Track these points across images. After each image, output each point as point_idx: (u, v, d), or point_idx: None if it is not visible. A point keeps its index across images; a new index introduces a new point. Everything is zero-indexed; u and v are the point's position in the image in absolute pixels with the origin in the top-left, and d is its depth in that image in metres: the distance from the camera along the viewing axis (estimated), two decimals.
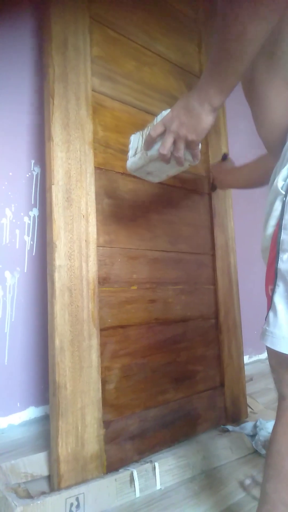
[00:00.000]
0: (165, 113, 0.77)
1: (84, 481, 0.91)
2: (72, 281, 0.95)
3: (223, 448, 1.14)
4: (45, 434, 1.00)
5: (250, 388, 1.52)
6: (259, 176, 1.05)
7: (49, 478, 0.92)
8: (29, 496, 0.86)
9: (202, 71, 1.40)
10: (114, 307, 1.06)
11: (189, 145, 0.74)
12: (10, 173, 1.11)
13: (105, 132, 1.09)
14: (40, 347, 1.13)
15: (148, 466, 0.99)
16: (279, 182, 0.63)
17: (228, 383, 1.32)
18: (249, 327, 1.66)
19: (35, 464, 0.92)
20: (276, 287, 0.62)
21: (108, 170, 1.09)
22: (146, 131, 0.82)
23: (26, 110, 1.14)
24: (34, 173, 1.15)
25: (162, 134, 0.75)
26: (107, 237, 1.06)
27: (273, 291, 0.63)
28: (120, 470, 0.97)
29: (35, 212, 1.15)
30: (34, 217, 1.15)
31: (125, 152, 1.13)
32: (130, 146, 0.88)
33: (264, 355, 2.00)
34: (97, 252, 1.01)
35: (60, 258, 0.93)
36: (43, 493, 0.87)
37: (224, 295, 1.35)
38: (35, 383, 1.14)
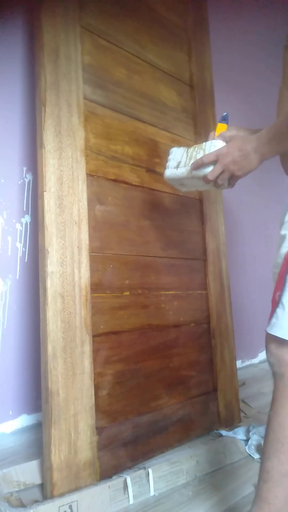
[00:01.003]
0: (216, 143, 0.90)
1: (77, 488, 0.90)
2: (65, 288, 0.95)
3: (216, 453, 1.14)
4: (38, 442, 0.99)
5: (243, 393, 1.53)
6: None
7: (42, 486, 0.91)
8: (22, 504, 0.85)
9: (192, 79, 1.42)
10: (107, 313, 1.06)
11: (233, 178, 0.89)
12: (2, 180, 1.11)
13: (97, 139, 1.10)
14: (32, 354, 1.13)
15: (141, 472, 0.99)
16: None
17: (221, 388, 1.33)
18: (241, 332, 1.67)
19: (28, 472, 0.92)
20: (285, 291, 0.76)
21: (100, 176, 1.10)
22: (192, 151, 0.94)
23: (18, 117, 1.14)
24: (26, 180, 1.15)
25: (212, 162, 0.88)
26: (99, 243, 1.07)
27: (280, 295, 0.77)
28: (113, 477, 0.97)
29: (27, 218, 1.15)
30: (26, 223, 1.15)
31: (116, 159, 1.14)
32: (171, 157, 0.98)
33: (257, 359, 2.01)
34: (89, 258, 1.01)
35: (52, 264, 0.94)
36: (36, 501, 0.86)
37: (216, 300, 1.36)
38: (27, 390, 1.13)
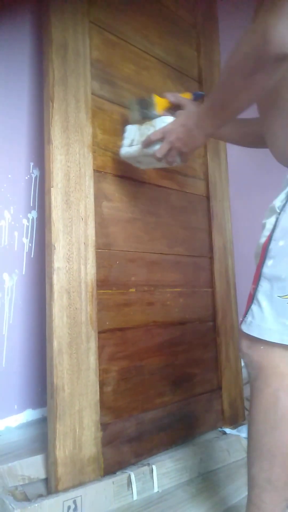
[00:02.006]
0: (165, 119, 0.90)
1: (81, 483, 0.91)
2: (71, 284, 0.95)
3: (220, 450, 1.14)
4: (42, 437, 1.00)
5: (247, 391, 1.52)
6: (237, 134, 1.05)
7: (46, 480, 0.92)
8: (26, 499, 0.86)
9: (201, 76, 1.41)
10: (112, 310, 1.06)
11: (181, 155, 0.89)
12: (9, 175, 1.11)
13: (104, 135, 1.10)
14: (38, 350, 1.13)
15: (145, 469, 0.99)
16: (277, 202, 0.75)
17: (226, 385, 1.32)
18: None
19: (32, 466, 0.92)
20: (259, 286, 0.75)
21: (107, 173, 1.09)
22: (144, 128, 0.95)
23: (26, 113, 1.14)
24: (33, 176, 1.15)
25: (159, 139, 0.89)
26: (105, 239, 1.07)
27: (255, 290, 0.75)
28: (117, 473, 0.97)
29: (33, 214, 1.15)
30: (32, 219, 1.15)
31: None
32: (126, 135, 0.99)
33: None
34: (95, 255, 1.01)
35: (58, 260, 0.94)
36: (41, 495, 0.87)
37: (221, 297, 1.35)
38: (32, 385, 1.14)
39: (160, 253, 1.20)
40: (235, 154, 1.56)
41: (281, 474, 0.71)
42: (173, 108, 1.05)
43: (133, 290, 1.11)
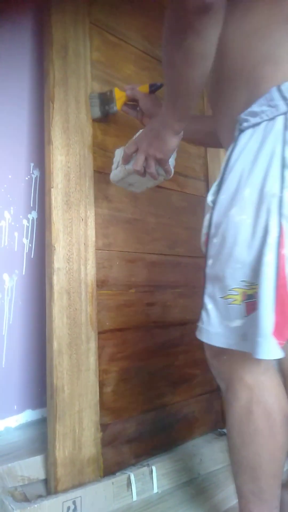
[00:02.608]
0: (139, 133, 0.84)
1: (81, 484, 0.91)
2: (71, 284, 0.95)
3: (220, 451, 1.14)
4: (42, 437, 1.00)
5: None
6: (196, 134, 1.01)
7: (46, 481, 0.92)
8: (26, 499, 0.85)
9: None
10: (112, 310, 1.06)
11: (159, 162, 0.81)
12: (10, 176, 1.11)
13: (105, 136, 1.10)
14: (38, 350, 1.13)
15: (145, 469, 0.99)
16: (209, 196, 0.70)
17: None
18: None
19: (32, 467, 0.92)
20: (205, 289, 0.70)
21: (107, 173, 1.09)
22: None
23: (26, 113, 1.14)
24: (33, 176, 1.15)
25: (135, 152, 0.82)
26: (105, 240, 1.07)
27: (203, 292, 0.70)
28: (117, 474, 0.97)
29: (34, 215, 1.15)
30: (32, 220, 1.15)
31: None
32: (114, 159, 0.95)
33: None
34: (95, 255, 1.01)
35: (59, 261, 0.94)
36: (40, 496, 0.87)
37: None
38: (32, 386, 1.13)
39: (160, 254, 1.20)
40: None
41: (264, 487, 0.68)
42: (132, 101, 1.02)
43: (133, 290, 1.11)
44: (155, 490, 0.98)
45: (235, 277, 0.64)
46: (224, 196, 0.67)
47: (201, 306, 0.71)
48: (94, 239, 1.01)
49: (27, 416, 1.12)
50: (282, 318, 0.60)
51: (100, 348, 1.00)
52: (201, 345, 1.28)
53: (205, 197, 1.36)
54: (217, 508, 0.93)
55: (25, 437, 1.05)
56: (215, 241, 0.68)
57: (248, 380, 0.69)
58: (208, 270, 0.70)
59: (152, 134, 0.78)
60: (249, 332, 0.63)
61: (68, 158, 0.99)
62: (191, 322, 1.26)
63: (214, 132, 0.86)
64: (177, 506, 0.94)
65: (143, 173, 0.84)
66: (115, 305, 1.07)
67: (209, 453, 1.12)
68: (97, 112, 1.04)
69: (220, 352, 0.71)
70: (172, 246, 1.24)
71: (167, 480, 1.01)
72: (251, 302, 0.63)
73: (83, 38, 1.06)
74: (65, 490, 0.87)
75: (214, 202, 0.69)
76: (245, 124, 0.67)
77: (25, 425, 1.11)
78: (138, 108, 1.02)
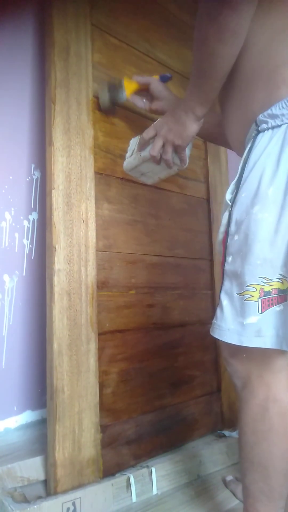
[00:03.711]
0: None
1: (80, 485, 0.91)
2: (71, 285, 0.95)
3: (219, 453, 1.14)
4: (42, 438, 1.00)
5: None
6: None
7: (45, 482, 0.92)
8: (25, 500, 0.85)
9: None
10: (113, 312, 1.06)
11: (176, 149, 0.83)
12: (10, 177, 1.11)
13: (106, 138, 1.10)
14: (38, 351, 1.13)
15: (144, 471, 0.99)
16: (227, 195, 0.72)
17: (225, 388, 1.32)
18: None
19: (32, 468, 0.92)
20: (223, 285, 0.71)
21: (108, 175, 1.10)
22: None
23: (27, 114, 1.14)
24: (34, 177, 1.16)
25: (153, 138, 0.84)
26: (106, 241, 1.07)
27: (220, 289, 0.72)
28: (116, 475, 0.97)
29: (34, 216, 1.15)
30: (33, 221, 1.15)
31: (125, 157, 1.14)
32: (129, 148, 0.96)
33: None
34: (96, 257, 1.01)
35: (59, 262, 0.94)
36: (40, 497, 0.87)
37: None
38: (32, 387, 1.13)
39: (160, 255, 1.20)
40: (235, 157, 1.57)
41: (274, 485, 0.69)
42: (143, 90, 1.04)
43: (133, 292, 1.12)
44: (155, 491, 0.98)
45: (254, 274, 0.65)
46: (245, 194, 0.68)
47: (217, 303, 0.73)
48: (94, 240, 1.02)
49: (27, 417, 1.12)
50: None
51: (100, 349, 1.01)
52: (201, 346, 1.29)
53: (205, 199, 1.38)
54: (216, 510, 0.93)
55: (25, 438, 1.05)
56: (236, 238, 0.69)
57: (266, 378, 0.70)
58: (227, 267, 0.70)
59: (173, 119, 0.79)
60: (265, 327, 0.64)
61: (69, 160, 0.99)
62: (191, 323, 1.26)
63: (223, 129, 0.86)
64: (176, 507, 0.94)
65: (158, 159, 0.85)
66: (115, 306, 1.07)
67: (209, 454, 1.12)
68: (106, 101, 1.05)
69: (238, 350, 0.71)
70: (172, 248, 1.24)
71: (166, 481, 1.01)
72: (267, 299, 0.65)
73: (85, 40, 1.06)
74: (64, 491, 0.87)
75: (233, 200, 0.70)
76: (264, 126, 0.68)
77: (25, 426, 1.11)
78: (146, 98, 1.03)
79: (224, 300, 0.70)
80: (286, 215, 0.63)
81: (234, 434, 1.24)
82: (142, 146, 0.88)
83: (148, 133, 0.85)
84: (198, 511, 0.93)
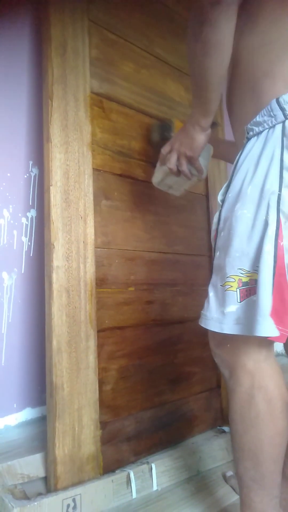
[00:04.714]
0: None
1: (80, 482, 0.91)
2: (70, 282, 0.95)
3: (219, 449, 1.14)
4: (42, 435, 1.00)
5: None
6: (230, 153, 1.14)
7: (45, 479, 0.92)
8: (25, 497, 0.86)
9: None
10: (112, 308, 1.06)
11: (189, 160, 0.90)
12: (8, 174, 1.11)
13: (104, 134, 1.10)
14: (37, 348, 1.13)
15: (144, 467, 1.00)
16: (219, 196, 0.79)
17: (224, 384, 1.32)
18: None
19: (32, 465, 0.92)
20: (210, 279, 0.77)
21: (106, 171, 1.09)
22: None
23: (25, 111, 1.14)
24: (32, 174, 1.15)
25: (169, 151, 0.92)
26: (104, 238, 1.07)
27: (208, 282, 0.77)
28: (116, 471, 0.97)
29: (32, 213, 1.15)
30: (31, 218, 1.15)
31: (123, 153, 1.14)
32: (157, 164, 1.03)
33: None
34: (94, 253, 1.01)
35: (58, 259, 0.94)
36: (40, 494, 0.87)
37: None
38: (31, 384, 1.14)
39: (159, 252, 1.20)
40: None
41: (265, 472, 0.71)
42: None
43: (132, 288, 1.11)
44: (155, 487, 0.99)
45: (233, 265, 0.71)
46: (231, 194, 0.75)
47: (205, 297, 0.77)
48: (93, 237, 1.01)
49: (26, 414, 1.13)
50: (281, 305, 0.66)
51: (100, 346, 1.01)
52: (200, 342, 1.29)
53: (203, 195, 1.37)
54: (216, 505, 0.94)
55: (25, 435, 1.05)
56: (222, 234, 0.75)
57: (250, 366, 0.73)
58: (215, 261, 0.76)
59: (183, 134, 0.88)
60: (243, 316, 0.69)
61: (67, 156, 0.98)
62: (190, 320, 1.26)
63: None
64: (176, 503, 0.94)
65: (178, 172, 0.93)
66: (114, 303, 1.07)
67: (209, 450, 1.12)
68: (156, 137, 1.18)
69: (223, 341, 0.75)
70: (171, 244, 1.24)
71: (166, 477, 1.01)
72: (245, 289, 0.70)
73: (82, 36, 1.05)
74: (64, 488, 0.88)
75: (223, 201, 0.77)
76: (251, 133, 0.75)
77: (25, 423, 1.11)
78: None
79: (211, 292, 0.76)
80: (262, 211, 0.69)
81: None
82: (162, 161, 0.96)
83: (165, 148, 0.93)
84: (198, 507, 0.93)
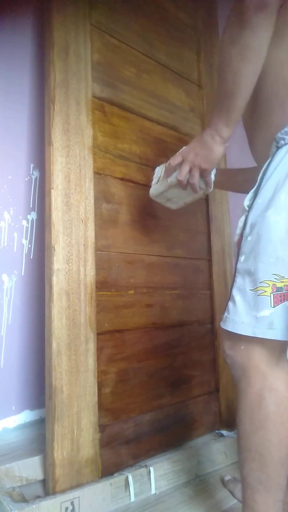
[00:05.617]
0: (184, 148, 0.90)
1: (79, 485, 0.91)
2: (70, 285, 0.95)
3: (218, 453, 1.14)
4: (40, 438, 1.00)
5: None
6: (236, 183, 1.13)
7: (44, 482, 0.92)
8: (24, 500, 0.85)
9: (201, 79, 1.42)
10: (111, 311, 1.06)
11: (202, 173, 0.87)
12: (9, 177, 1.11)
13: (105, 138, 1.10)
14: (36, 351, 1.13)
15: (143, 470, 1.00)
16: (246, 201, 0.78)
17: (223, 388, 1.33)
18: None
19: (30, 468, 0.92)
20: (234, 283, 0.76)
21: (107, 175, 1.10)
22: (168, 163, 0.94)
23: (26, 114, 1.15)
24: (33, 177, 1.16)
25: (180, 164, 0.88)
26: (105, 241, 1.07)
27: (232, 285, 0.77)
28: (115, 475, 0.97)
29: (33, 215, 1.15)
30: (32, 220, 1.15)
31: (124, 157, 1.14)
32: (154, 176, 1.00)
33: None
34: (95, 257, 1.02)
35: (58, 262, 0.94)
36: (38, 497, 0.87)
37: (220, 300, 1.36)
38: (30, 386, 1.14)
39: (159, 255, 1.21)
40: (233, 157, 1.57)
41: (271, 474, 0.71)
42: None
43: (132, 292, 1.12)
44: (153, 491, 0.99)
45: (268, 271, 0.71)
46: (261, 201, 0.74)
47: (228, 298, 0.78)
48: (93, 240, 1.02)
49: (25, 416, 1.12)
50: None
51: (99, 349, 1.01)
52: (199, 346, 1.29)
53: (203, 199, 1.38)
54: (214, 509, 0.94)
55: (23, 438, 1.05)
56: (249, 239, 0.75)
57: (263, 367, 0.74)
58: (240, 265, 0.76)
59: (199, 144, 0.84)
60: (277, 321, 0.70)
61: (68, 159, 0.99)
62: (189, 323, 1.27)
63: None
64: (175, 507, 0.94)
65: (185, 184, 0.89)
66: (114, 306, 1.07)
67: (207, 454, 1.12)
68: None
69: (238, 342, 0.76)
70: (171, 248, 1.24)
71: (165, 481, 1.01)
72: (279, 295, 0.71)
73: (84, 40, 1.06)
74: (63, 491, 0.88)
75: (250, 206, 0.77)
76: (281, 142, 0.75)
77: (24, 425, 1.11)
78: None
79: (237, 296, 0.75)
80: None
81: (232, 434, 1.25)
82: (168, 172, 0.92)
83: (175, 159, 0.88)
84: (196, 511, 0.93)
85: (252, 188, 0.78)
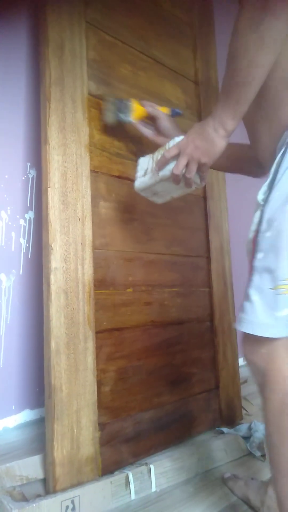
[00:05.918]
0: (177, 139, 0.84)
1: (79, 483, 0.91)
2: (68, 284, 0.95)
3: (218, 450, 1.14)
4: (40, 437, 1.00)
5: (244, 390, 1.53)
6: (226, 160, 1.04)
7: (44, 481, 0.92)
8: (24, 499, 0.85)
9: (197, 76, 1.42)
10: (110, 310, 1.06)
11: (201, 168, 0.82)
12: (6, 176, 1.11)
13: (101, 136, 1.10)
14: (35, 350, 1.13)
15: (143, 468, 1.00)
16: (259, 195, 0.74)
17: (223, 385, 1.33)
18: None
19: (30, 467, 0.92)
20: (251, 282, 0.72)
21: (104, 173, 1.10)
22: (157, 155, 0.88)
23: (22, 113, 1.14)
24: (30, 176, 1.15)
25: (176, 157, 0.82)
26: (103, 239, 1.07)
27: (248, 285, 0.72)
28: (115, 473, 0.97)
29: (30, 214, 1.15)
30: (29, 219, 1.15)
31: (120, 155, 1.14)
32: (139, 167, 0.94)
33: None
34: (93, 255, 1.01)
35: (56, 260, 0.94)
36: (39, 496, 0.87)
37: (219, 297, 1.36)
38: (30, 386, 1.13)
39: (158, 253, 1.20)
40: None
41: None
42: (149, 119, 1.05)
43: (130, 290, 1.12)
44: (154, 488, 0.99)
45: None
46: (278, 193, 0.70)
47: (244, 297, 0.73)
48: (91, 238, 1.01)
49: (25, 416, 1.12)
50: None
51: (98, 348, 1.01)
52: (198, 344, 1.29)
53: (201, 197, 1.38)
54: (215, 506, 0.94)
55: (24, 437, 1.05)
56: (267, 235, 0.70)
57: (286, 371, 0.70)
58: (257, 263, 0.71)
59: (201, 137, 0.78)
60: None
61: (64, 158, 0.99)
62: (188, 321, 1.27)
63: (247, 158, 0.88)
64: (175, 504, 0.94)
65: (180, 179, 0.83)
66: (113, 304, 1.07)
67: (207, 451, 1.12)
68: (111, 117, 1.05)
69: (257, 345, 0.72)
70: (169, 246, 1.24)
71: (165, 478, 1.01)
72: None
73: (79, 38, 1.06)
74: (63, 490, 0.88)
75: (265, 200, 0.72)
76: None
77: (23, 425, 1.11)
78: (154, 128, 1.05)
79: (254, 296, 0.70)
80: None
81: (232, 431, 1.25)
82: (161, 165, 0.85)
83: (171, 152, 0.82)
84: (197, 508, 0.93)
85: (266, 181, 0.73)
